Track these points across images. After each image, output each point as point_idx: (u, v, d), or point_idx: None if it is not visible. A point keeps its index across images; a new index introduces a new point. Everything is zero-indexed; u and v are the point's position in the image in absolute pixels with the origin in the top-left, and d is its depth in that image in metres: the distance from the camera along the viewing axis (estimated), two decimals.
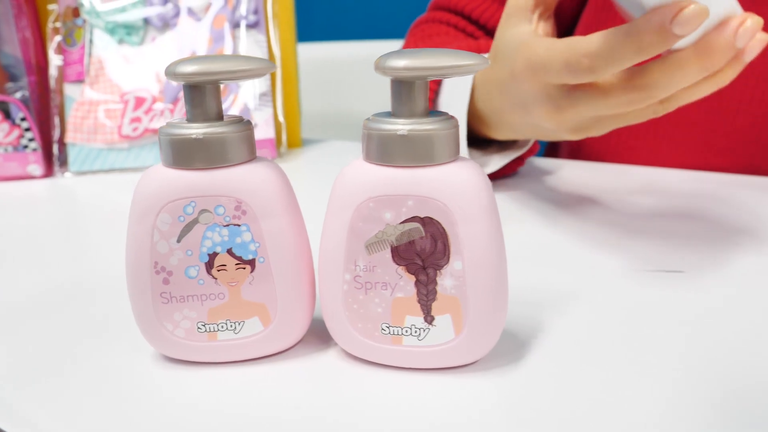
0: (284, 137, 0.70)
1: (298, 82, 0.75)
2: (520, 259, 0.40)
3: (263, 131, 0.67)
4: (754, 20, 0.32)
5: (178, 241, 0.27)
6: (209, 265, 0.27)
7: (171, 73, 0.26)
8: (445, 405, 0.26)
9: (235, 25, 0.68)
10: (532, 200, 0.52)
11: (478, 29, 0.66)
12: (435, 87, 0.54)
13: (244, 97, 0.67)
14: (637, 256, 0.40)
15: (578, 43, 0.35)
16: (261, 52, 0.68)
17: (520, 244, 0.42)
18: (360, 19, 1.28)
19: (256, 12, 0.68)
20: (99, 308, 0.35)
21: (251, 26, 0.68)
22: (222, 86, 0.69)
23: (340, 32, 1.24)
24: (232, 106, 0.67)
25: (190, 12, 0.68)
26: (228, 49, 0.67)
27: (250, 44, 0.68)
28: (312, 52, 1.14)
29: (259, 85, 0.68)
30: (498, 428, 0.24)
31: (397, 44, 0.95)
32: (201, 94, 0.26)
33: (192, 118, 0.27)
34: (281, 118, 0.69)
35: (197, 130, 0.26)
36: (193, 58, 0.26)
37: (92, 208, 0.57)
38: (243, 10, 0.68)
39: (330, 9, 1.29)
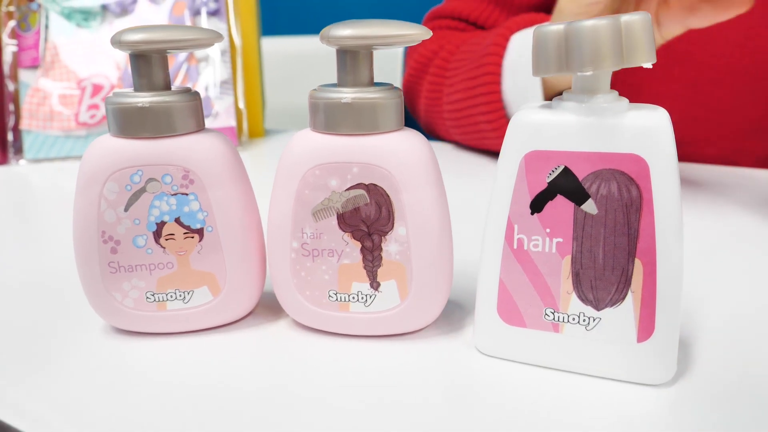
0: (245, 126, 0.70)
1: (261, 72, 0.75)
2: (470, 235, 0.40)
3: (224, 120, 0.67)
4: None
5: (126, 210, 0.27)
6: (157, 234, 0.28)
7: (117, 41, 0.26)
8: (393, 372, 0.26)
9: (196, 13, 0.68)
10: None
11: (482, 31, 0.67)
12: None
13: (204, 85, 0.67)
14: None
15: None
16: None
17: (470, 221, 0.42)
18: (326, 14, 1.28)
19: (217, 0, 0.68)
20: (52, 291, 0.35)
21: (212, 14, 0.68)
22: (183, 74, 0.70)
23: (306, 26, 1.25)
24: None
25: None
26: None
27: None
28: (279, 46, 1.14)
29: (220, 73, 0.68)
30: (446, 396, 0.25)
31: None
32: (147, 63, 0.27)
33: (138, 87, 0.27)
34: (241, 105, 0.69)
35: (143, 99, 0.26)
36: (139, 27, 0.26)
37: (47, 196, 0.56)
38: None
39: (296, 3, 1.29)
